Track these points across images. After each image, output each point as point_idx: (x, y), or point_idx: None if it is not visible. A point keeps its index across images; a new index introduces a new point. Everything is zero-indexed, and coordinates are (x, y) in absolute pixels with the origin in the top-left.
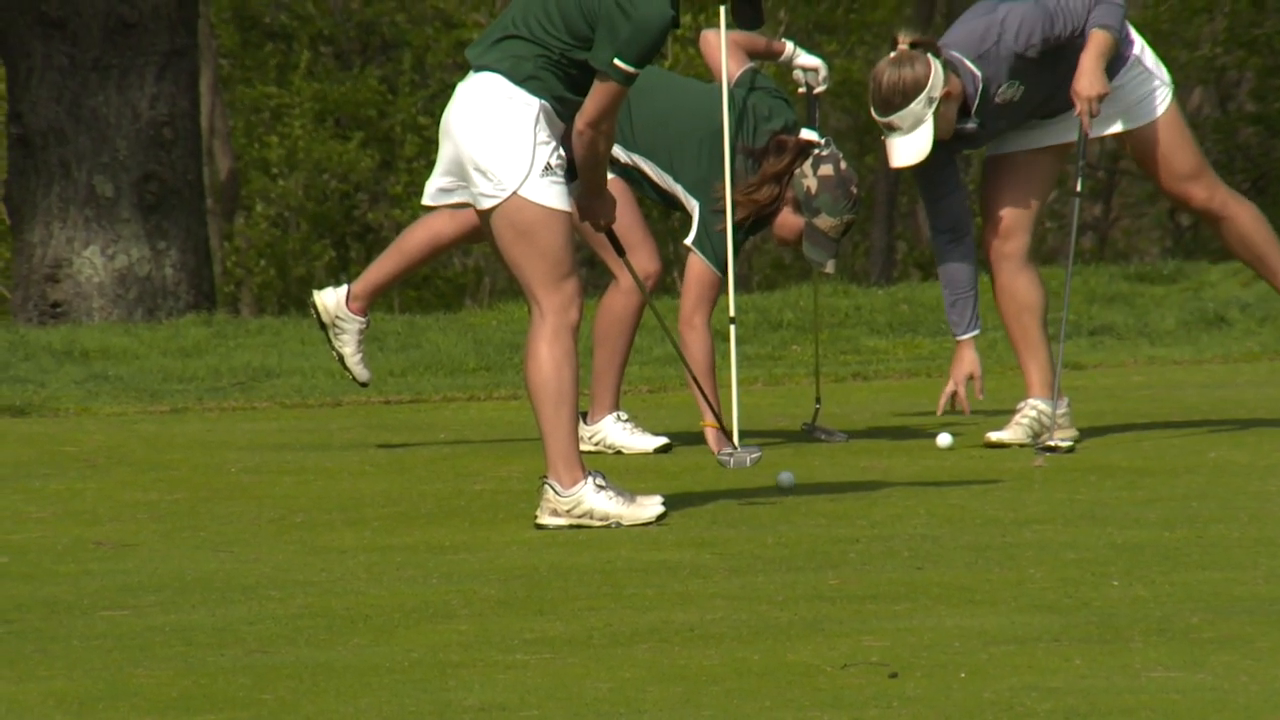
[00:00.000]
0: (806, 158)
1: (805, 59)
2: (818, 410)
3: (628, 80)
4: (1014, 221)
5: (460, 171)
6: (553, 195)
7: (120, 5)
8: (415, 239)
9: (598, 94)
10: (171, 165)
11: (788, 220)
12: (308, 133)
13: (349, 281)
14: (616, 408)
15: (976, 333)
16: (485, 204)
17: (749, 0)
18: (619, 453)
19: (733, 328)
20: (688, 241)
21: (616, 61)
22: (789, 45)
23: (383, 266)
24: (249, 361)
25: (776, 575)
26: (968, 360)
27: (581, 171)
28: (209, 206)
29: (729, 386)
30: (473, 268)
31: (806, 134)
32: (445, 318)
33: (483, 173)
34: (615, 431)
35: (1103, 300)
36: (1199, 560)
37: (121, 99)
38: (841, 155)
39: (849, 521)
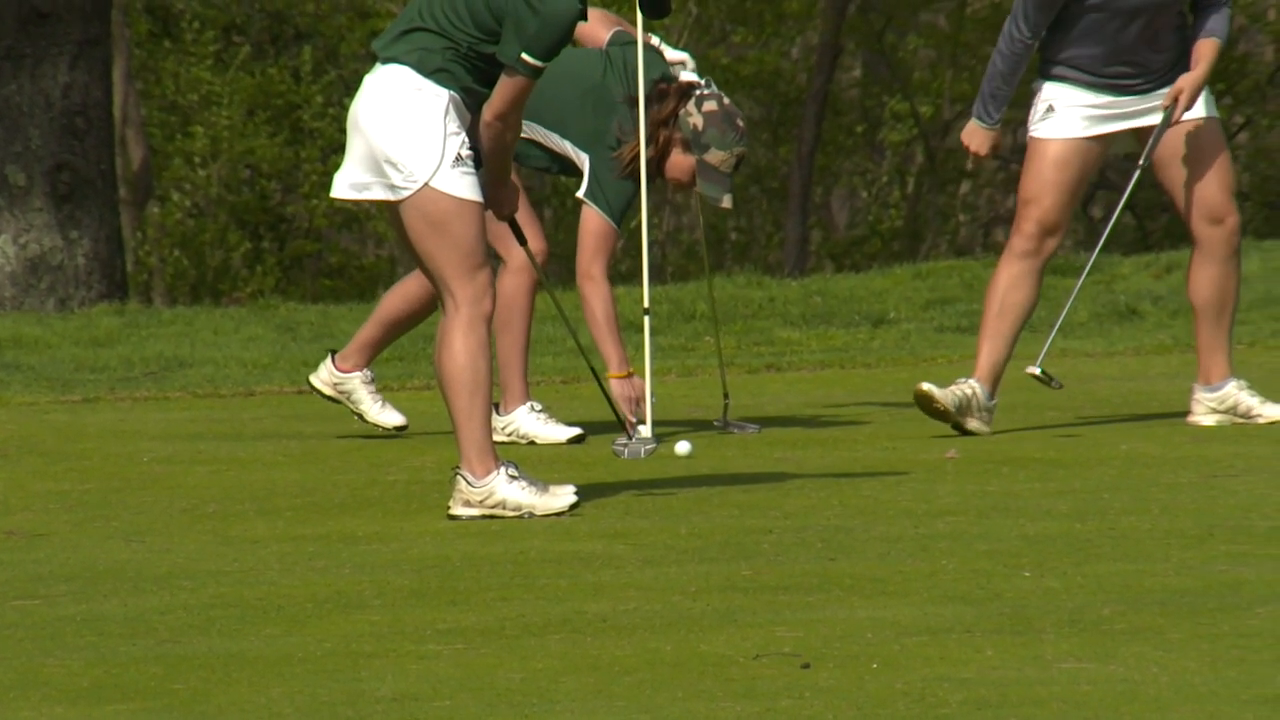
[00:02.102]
0: (689, 98)
1: (672, 54)
2: (727, 405)
3: (535, 74)
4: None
5: (372, 165)
6: (464, 186)
7: None
8: (390, 304)
9: (505, 87)
10: (84, 154)
11: (679, 161)
12: (235, 125)
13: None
14: (528, 397)
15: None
16: (398, 195)
17: None
18: (532, 443)
19: (646, 319)
20: (580, 194)
21: (524, 56)
22: (654, 39)
23: (365, 333)
24: (161, 351)
25: (689, 566)
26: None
27: (487, 161)
28: (122, 196)
29: (644, 377)
30: (386, 257)
31: (686, 76)
32: (359, 307)
33: (393, 165)
34: (529, 422)
35: None
36: (1110, 552)
37: (34, 88)
38: (723, 94)
39: (762, 512)
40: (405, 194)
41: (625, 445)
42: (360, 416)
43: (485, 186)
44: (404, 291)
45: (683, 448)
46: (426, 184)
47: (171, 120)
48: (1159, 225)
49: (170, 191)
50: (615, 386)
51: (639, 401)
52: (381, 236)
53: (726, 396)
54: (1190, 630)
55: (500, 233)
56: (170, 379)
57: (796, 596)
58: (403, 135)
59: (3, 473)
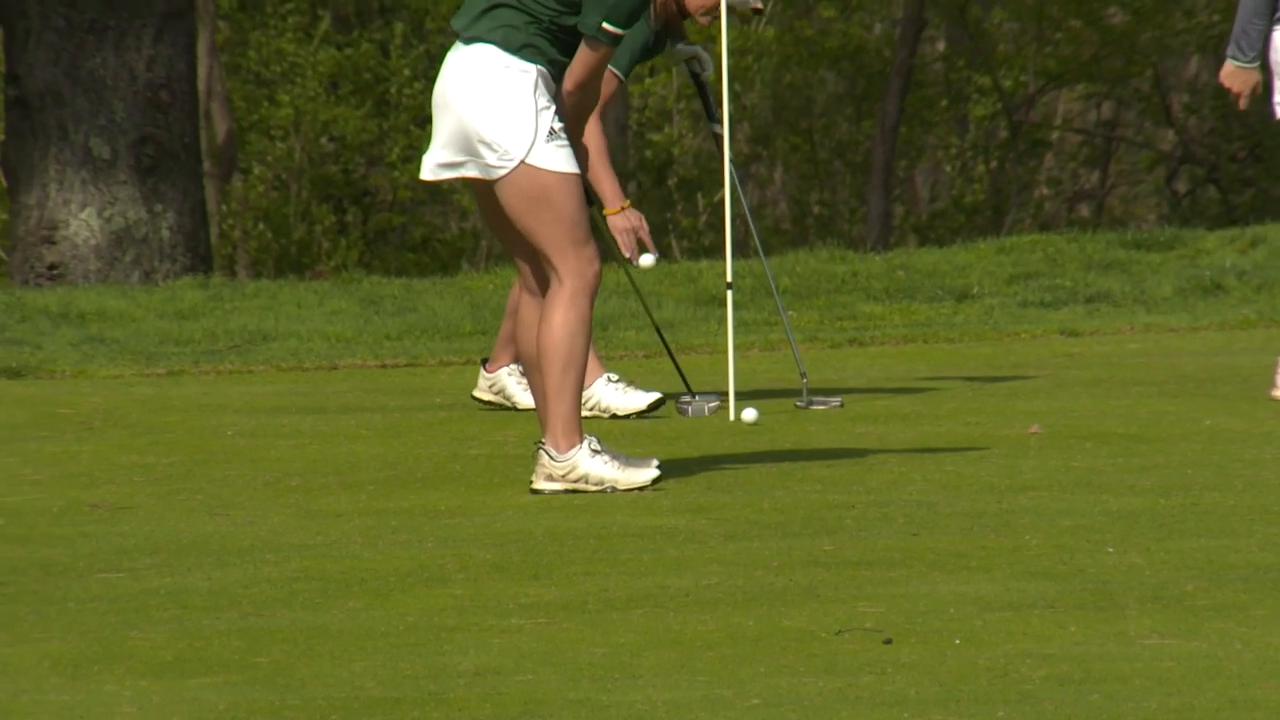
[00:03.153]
0: None
1: (684, 48)
2: (805, 383)
3: (615, 42)
4: None
5: (464, 145)
6: (560, 159)
7: None
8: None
9: (586, 57)
10: (168, 128)
11: None
12: (318, 96)
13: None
14: (604, 369)
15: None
16: (494, 174)
17: None
18: (615, 416)
19: (729, 293)
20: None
21: (605, 25)
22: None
23: (504, 329)
24: (245, 324)
25: (772, 541)
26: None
27: (576, 140)
28: (206, 169)
29: (725, 353)
30: (469, 231)
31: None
32: (442, 282)
33: (488, 144)
34: (608, 394)
35: (1099, 267)
36: (1194, 528)
37: (119, 61)
38: None
39: (845, 487)
40: (501, 172)
41: (689, 404)
42: (513, 407)
43: None
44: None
45: (749, 415)
46: (523, 161)
47: (257, 93)
48: (1244, 199)
49: (254, 165)
50: (612, 221)
51: (638, 234)
52: (466, 210)
53: (804, 375)
54: (1274, 606)
55: None
56: (254, 352)
57: (879, 572)
58: (496, 114)
59: (88, 446)
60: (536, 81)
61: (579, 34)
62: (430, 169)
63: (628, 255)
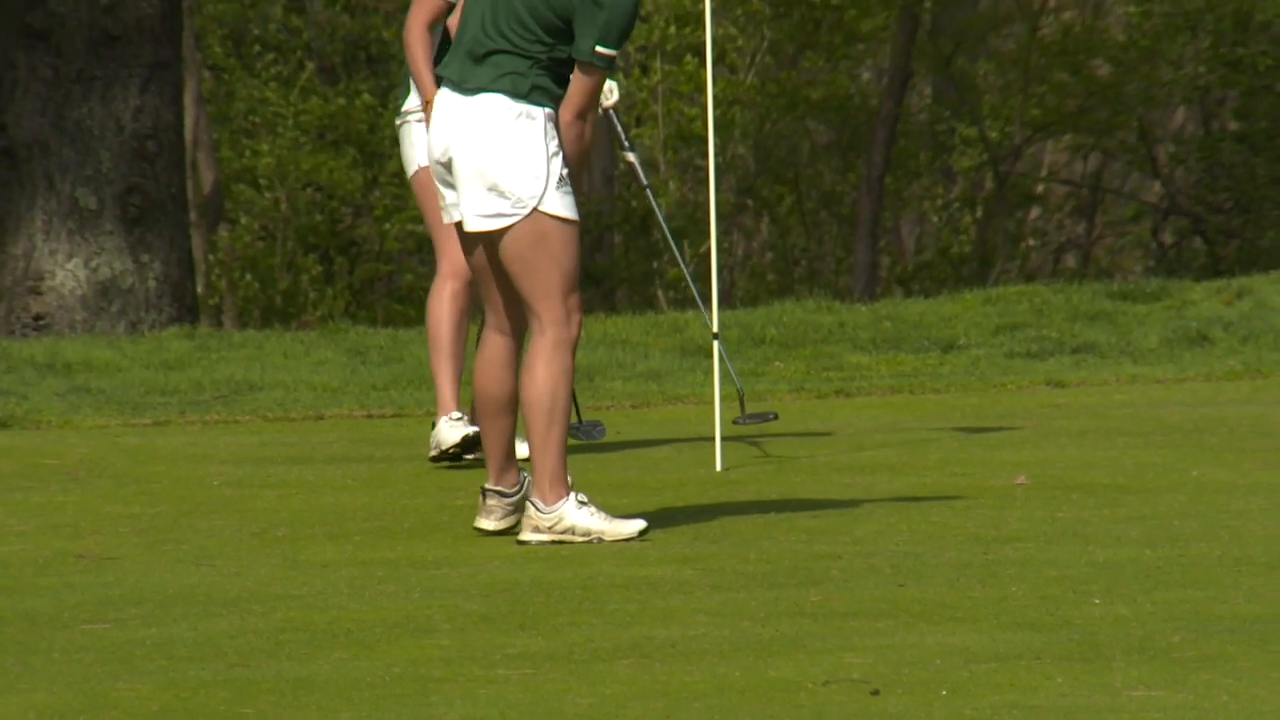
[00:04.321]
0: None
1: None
2: (742, 396)
3: (611, 65)
4: None
5: (480, 194)
6: (568, 206)
7: (104, 17)
8: (454, 340)
9: (582, 84)
10: (155, 178)
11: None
12: (298, 145)
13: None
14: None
15: None
16: (503, 223)
17: None
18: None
19: (716, 343)
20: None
21: (598, 49)
22: None
23: (438, 372)
24: (231, 375)
25: (758, 591)
26: None
27: (578, 170)
28: (192, 219)
29: (712, 403)
30: None
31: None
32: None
33: (500, 193)
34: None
35: (1085, 318)
36: (1180, 579)
37: (105, 111)
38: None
39: (831, 538)
40: (513, 220)
41: (579, 429)
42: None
43: None
44: (438, 309)
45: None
46: (535, 209)
47: (242, 142)
48: (1229, 251)
49: (240, 215)
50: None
51: None
52: None
53: (740, 391)
54: (1260, 658)
55: (449, 230)
56: (240, 402)
57: (865, 622)
58: (510, 163)
59: (74, 496)
60: (546, 125)
61: (573, 63)
62: (473, 220)
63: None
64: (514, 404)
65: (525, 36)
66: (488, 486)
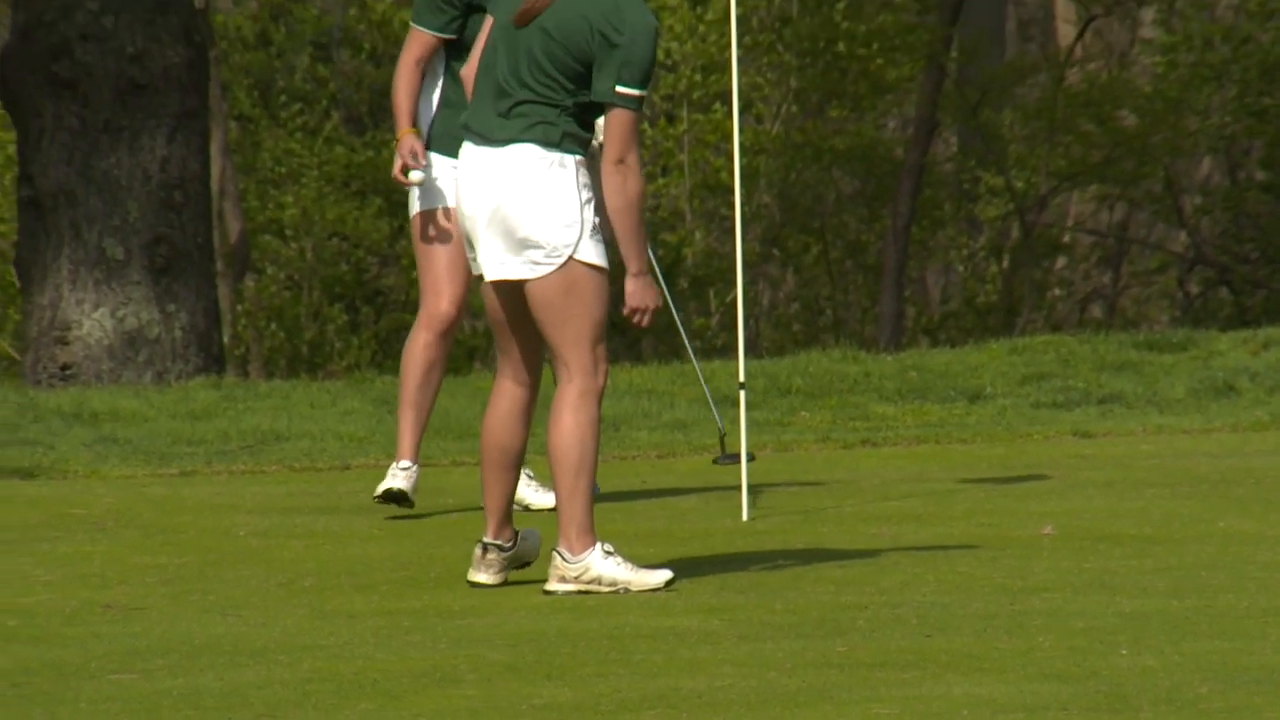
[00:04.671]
0: None
1: None
2: (723, 438)
3: (638, 104)
4: None
5: (510, 245)
6: (600, 254)
7: (131, 66)
8: (419, 388)
9: (613, 127)
10: (182, 228)
11: None
12: (323, 195)
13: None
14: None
15: None
16: (540, 272)
17: None
18: (527, 509)
19: (742, 393)
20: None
21: (619, 89)
22: None
23: (400, 418)
24: (258, 425)
25: (785, 642)
26: None
27: (618, 219)
28: (218, 269)
29: (740, 450)
30: (482, 330)
31: None
32: (454, 381)
33: (536, 244)
34: (522, 489)
35: (1111, 369)
36: (1208, 630)
37: (132, 161)
38: None
39: (858, 588)
40: (548, 269)
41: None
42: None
43: (629, 280)
44: (413, 368)
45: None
46: (571, 257)
47: (268, 193)
48: (1256, 301)
49: (266, 265)
50: (400, 141)
51: (414, 151)
52: (476, 310)
53: (722, 432)
54: None
55: (433, 280)
56: (266, 452)
57: (892, 673)
58: (546, 213)
59: (100, 546)
60: (578, 173)
61: (600, 107)
62: (495, 270)
63: (395, 171)
64: (521, 458)
65: (549, 85)
66: (487, 540)
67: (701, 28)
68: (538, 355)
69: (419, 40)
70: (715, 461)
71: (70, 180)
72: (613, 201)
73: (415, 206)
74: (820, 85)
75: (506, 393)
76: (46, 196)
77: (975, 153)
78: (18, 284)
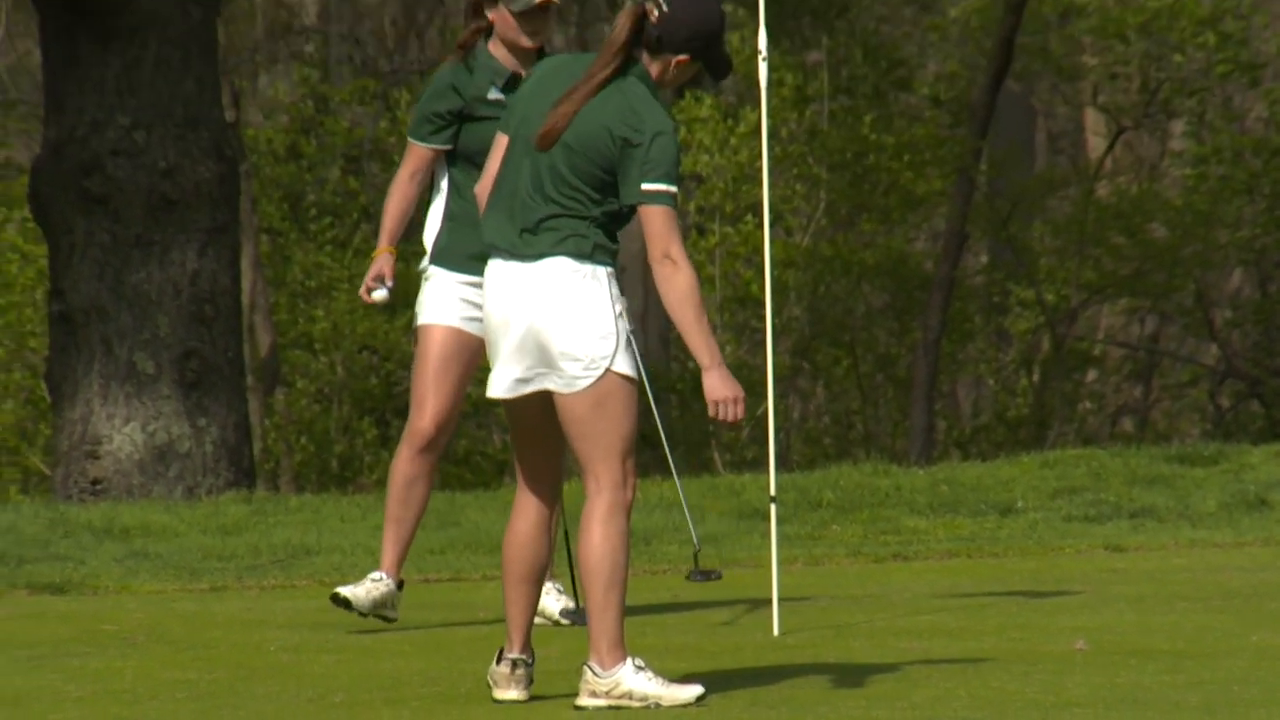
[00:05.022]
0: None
1: None
2: (697, 554)
3: (670, 199)
4: None
5: (540, 359)
6: (633, 365)
7: (163, 182)
8: (400, 503)
9: (651, 225)
10: (212, 342)
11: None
12: (353, 308)
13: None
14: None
15: None
16: (577, 386)
17: (718, 57)
18: (556, 623)
19: (773, 506)
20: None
21: (646, 187)
22: None
23: (386, 537)
24: (288, 539)
25: None
26: None
27: (682, 326)
28: (249, 383)
29: (769, 567)
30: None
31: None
32: (484, 495)
33: (573, 357)
34: (548, 601)
35: (1143, 482)
36: None
37: (163, 275)
38: None
39: (889, 704)
40: (586, 383)
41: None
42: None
43: (706, 376)
44: (400, 486)
45: (380, 294)
46: (608, 369)
47: (299, 306)
48: None
49: (296, 378)
50: (376, 259)
51: (383, 273)
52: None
53: (697, 546)
54: None
55: (419, 396)
56: (297, 567)
57: None
58: (581, 326)
59: (131, 661)
60: (610, 284)
61: (627, 214)
62: (506, 386)
63: (361, 289)
64: (544, 572)
65: (575, 197)
66: (514, 656)
67: (733, 140)
68: (560, 467)
69: (414, 154)
70: (688, 578)
71: (101, 295)
72: (667, 297)
73: (417, 319)
74: (850, 198)
75: (527, 508)
76: (78, 311)
77: (1005, 265)
78: (49, 399)
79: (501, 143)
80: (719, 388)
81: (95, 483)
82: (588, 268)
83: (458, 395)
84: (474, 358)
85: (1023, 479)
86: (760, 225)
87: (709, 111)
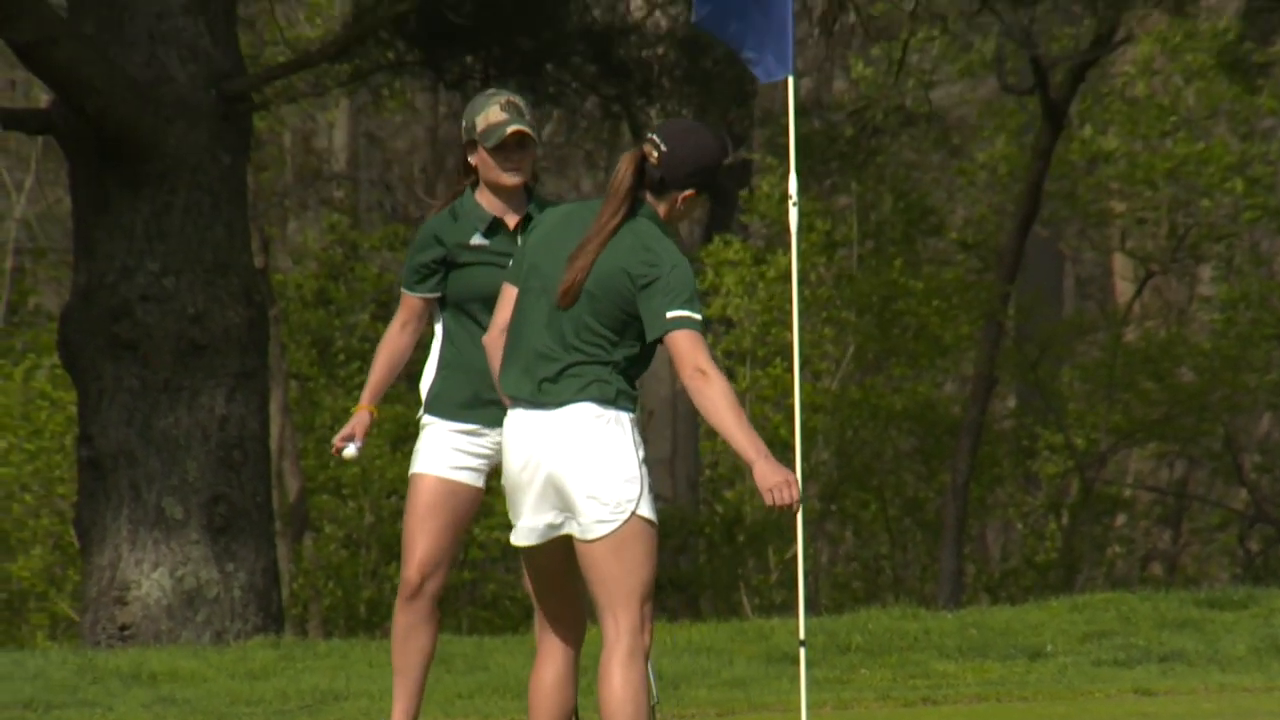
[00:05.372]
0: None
1: None
2: (654, 705)
3: (695, 324)
4: None
5: (564, 505)
6: (653, 510)
7: (191, 327)
8: (401, 654)
9: (678, 348)
10: (241, 487)
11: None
12: (381, 454)
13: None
14: None
15: None
16: (601, 531)
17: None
18: None
19: (802, 650)
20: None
21: (670, 314)
22: None
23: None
24: (317, 684)
25: None
26: None
27: (725, 431)
28: (277, 528)
29: (798, 711)
30: None
31: None
32: (513, 640)
33: (598, 501)
34: None
35: (1173, 626)
36: None
37: (192, 420)
38: None
39: None
40: (611, 527)
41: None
42: None
43: (755, 468)
44: (405, 644)
45: (350, 451)
46: (634, 513)
47: (326, 452)
48: None
49: (324, 523)
50: (356, 414)
51: (354, 429)
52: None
53: (654, 700)
54: None
55: (408, 546)
56: (325, 712)
57: None
58: (607, 471)
59: None
60: (633, 429)
61: (646, 358)
62: (535, 534)
63: (334, 443)
64: (572, 717)
65: (597, 343)
66: None
67: (762, 284)
68: (582, 610)
69: (405, 304)
70: None
71: (130, 440)
72: (704, 407)
73: (422, 467)
74: (879, 342)
75: (553, 652)
76: (106, 456)
77: (1034, 410)
78: (77, 544)
79: (510, 293)
80: (769, 475)
81: (123, 628)
82: (611, 413)
83: (444, 542)
84: (463, 505)
85: (1052, 623)
86: (790, 369)
87: (738, 255)
